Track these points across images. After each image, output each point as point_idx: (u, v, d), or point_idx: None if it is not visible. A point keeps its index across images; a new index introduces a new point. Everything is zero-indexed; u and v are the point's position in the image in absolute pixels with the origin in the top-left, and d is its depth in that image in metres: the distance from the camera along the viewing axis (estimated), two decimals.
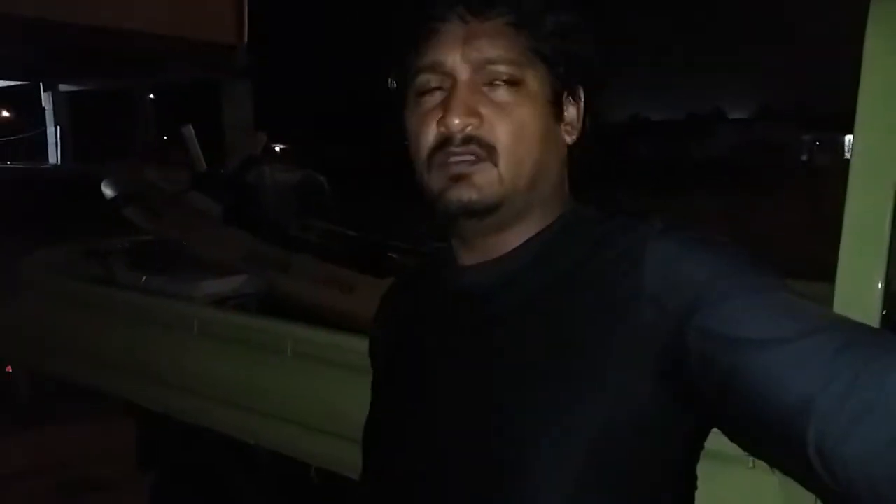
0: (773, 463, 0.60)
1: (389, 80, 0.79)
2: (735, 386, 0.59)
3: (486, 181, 0.72)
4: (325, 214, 3.80)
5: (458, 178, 0.73)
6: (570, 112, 0.78)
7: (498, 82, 0.72)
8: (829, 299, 1.14)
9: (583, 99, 0.79)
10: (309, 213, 3.66)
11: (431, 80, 0.74)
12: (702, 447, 0.73)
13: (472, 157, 0.72)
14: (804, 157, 36.53)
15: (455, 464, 0.73)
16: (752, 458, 1.10)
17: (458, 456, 0.72)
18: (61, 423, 3.26)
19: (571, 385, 0.67)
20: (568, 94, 0.77)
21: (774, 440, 0.58)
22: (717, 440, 0.70)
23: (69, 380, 3.06)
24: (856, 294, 1.17)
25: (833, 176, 1.11)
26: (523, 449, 0.67)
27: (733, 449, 0.66)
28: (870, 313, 1.15)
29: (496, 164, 0.72)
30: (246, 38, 8.15)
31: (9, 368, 3.59)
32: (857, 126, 1.18)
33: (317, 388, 2.10)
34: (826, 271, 1.24)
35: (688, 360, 0.62)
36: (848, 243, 1.18)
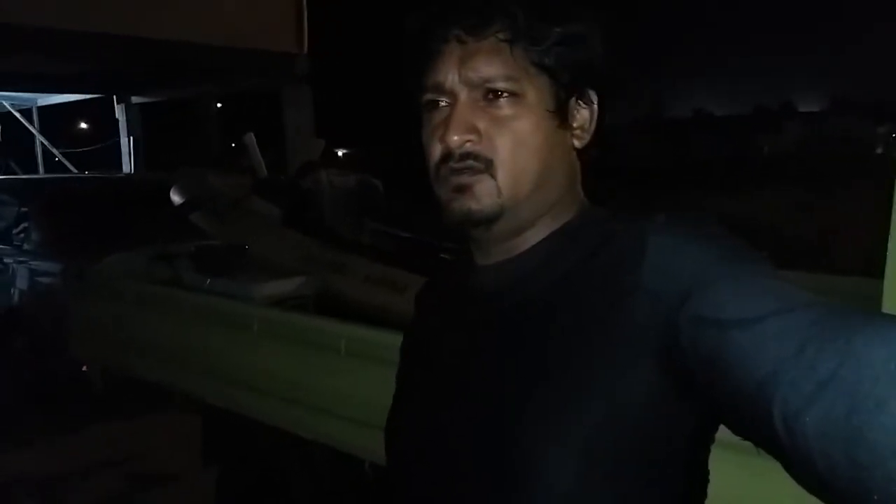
0: (753, 440, 0.61)
1: (405, 96, 0.83)
2: (717, 366, 0.61)
3: (485, 192, 0.76)
4: (381, 217, 3.86)
5: (460, 190, 0.77)
6: (582, 116, 0.80)
7: (497, 97, 0.76)
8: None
9: (595, 102, 0.81)
10: (364, 216, 3.73)
11: (436, 98, 0.79)
12: (711, 440, 0.74)
13: (471, 170, 0.76)
14: (879, 150, 35.03)
15: (466, 449, 0.76)
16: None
17: (467, 442, 0.76)
18: (131, 418, 3.41)
19: (573, 379, 0.70)
20: (577, 100, 0.79)
21: (749, 414, 0.59)
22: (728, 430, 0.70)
23: (140, 376, 3.20)
24: None
25: None
26: (527, 438, 0.70)
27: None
28: None
29: (494, 177, 0.76)
30: (306, 47, 8.33)
31: (84, 367, 3.79)
32: None
33: (369, 385, 2.14)
34: None
35: (682, 348, 0.64)
36: None
